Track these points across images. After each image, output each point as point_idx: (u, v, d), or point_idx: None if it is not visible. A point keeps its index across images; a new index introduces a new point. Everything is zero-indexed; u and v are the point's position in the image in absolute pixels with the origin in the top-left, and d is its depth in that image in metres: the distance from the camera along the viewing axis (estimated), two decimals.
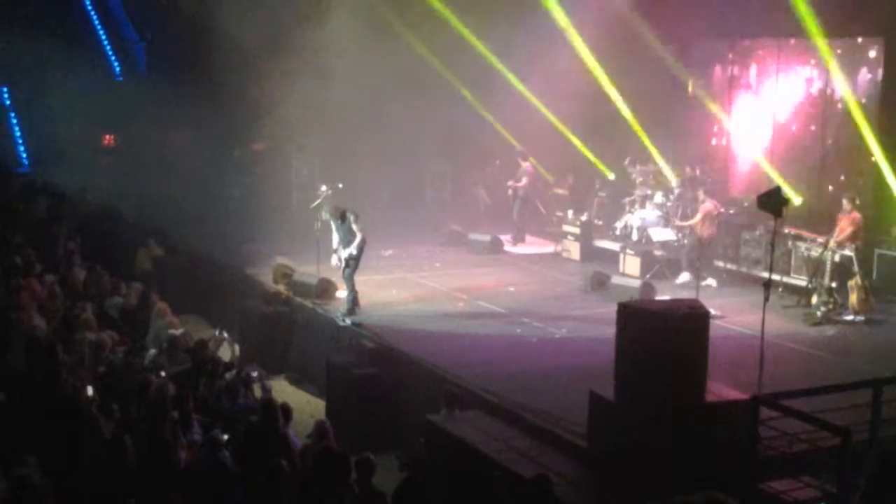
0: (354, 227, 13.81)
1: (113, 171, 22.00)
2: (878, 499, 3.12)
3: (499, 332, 13.28)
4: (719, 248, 16.42)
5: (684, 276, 15.65)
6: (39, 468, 7.12)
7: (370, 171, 19.30)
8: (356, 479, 7.71)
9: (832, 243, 14.08)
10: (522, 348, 12.57)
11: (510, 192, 19.61)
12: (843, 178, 16.61)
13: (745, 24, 17.35)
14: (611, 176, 19.91)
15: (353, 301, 13.96)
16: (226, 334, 13.05)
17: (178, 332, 12.32)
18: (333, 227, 14.04)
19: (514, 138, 20.54)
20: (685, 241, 16.30)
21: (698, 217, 15.79)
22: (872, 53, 16.18)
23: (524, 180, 19.37)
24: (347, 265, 13.91)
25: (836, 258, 13.99)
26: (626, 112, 18.85)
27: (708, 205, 15.72)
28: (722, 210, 16.17)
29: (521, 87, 19.65)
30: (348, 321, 13.57)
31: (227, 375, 10.98)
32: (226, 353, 12.70)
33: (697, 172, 17.56)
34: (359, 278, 15.47)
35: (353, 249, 13.80)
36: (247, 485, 7.62)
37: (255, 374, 11.15)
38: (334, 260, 14.12)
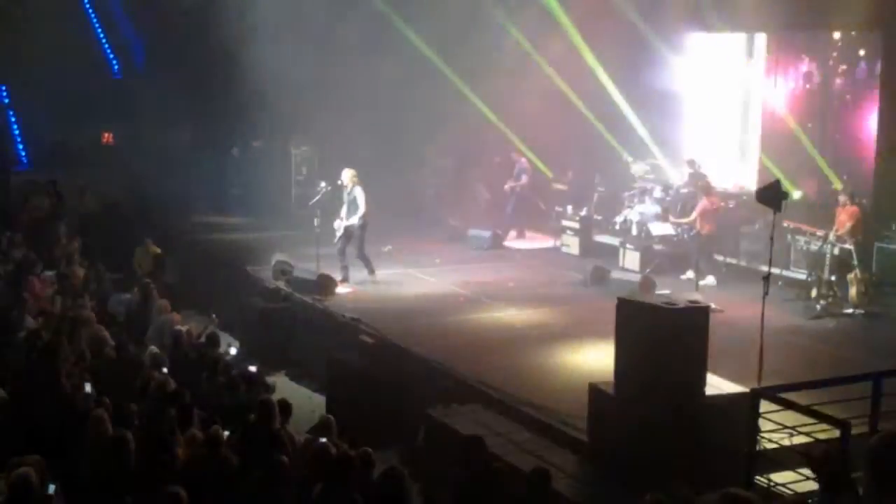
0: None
1: (112, 169, 21.98)
2: (879, 488, 3.12)
3: (498, 327, 13.30)
4: (719, 243, 16.40)
5: (690, 273, 15.51)
6: (39, 467, 7.11)
7: (370, 167, 19.31)
8: (356, 474, 7.71)
9: (832, 237, 14.09)
10: (522, 343, 12.58)
11: (509, 190, 19.64)
12: (841, 170, 16.59)
13: (743, 17, 17.35)
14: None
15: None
16: (214, 315, 13.19)
17: (184, 328, 12.35)
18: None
19: (514, 133, 20.53)
20: (686, 237, 16.24)
21: (694, 214, 15.77)
22: (870, 46, 16.15)
23: (524, 178, 19.42)
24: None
25: (836, 252, 14.00)
26: (624, 107, 18.85)
27: (704, 201, 15.70)
28: (721, 205, 16.13)
29: (526, 82, 19.66)
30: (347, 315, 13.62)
31: (231, 371, 11.00)
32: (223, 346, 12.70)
33: (698, 167, 17.55)
34: (358, 274, 15.55)
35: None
36: (247, 481, 7.62)
37: (253, 368, 11.19)
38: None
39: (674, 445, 8.26)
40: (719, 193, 16.91)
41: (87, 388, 9.52)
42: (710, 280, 15.45)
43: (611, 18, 18.03)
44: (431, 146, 21.41)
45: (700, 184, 16.14)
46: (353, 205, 15.27)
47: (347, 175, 15.33)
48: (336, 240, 15.41)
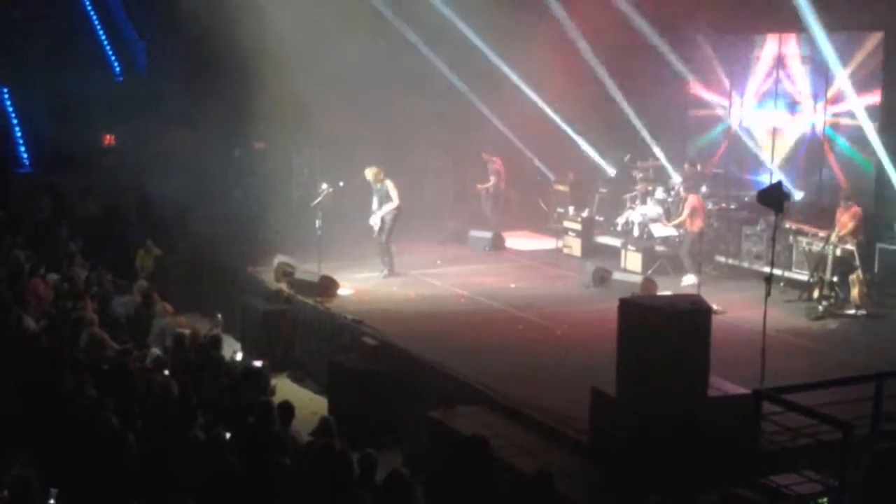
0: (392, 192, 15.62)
1: (113, 172, 21.97)
2: (876, 495, 3.11)
3: (500, 329, 13.28)
4: (721, 244, 16.42)
5: (690, 279, 15.44)
6: (40, 468, 7.11)
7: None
8: (359, 476, 7.72)
9: (833, 238, 14.08)
10: (524, 344, 12.57)
11: (482, 193, 19.67)
12: (843, 171, 16.56)
13: (745, 19, 17.32)
14: (612, 173, 19.90)
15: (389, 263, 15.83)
16: (219, 316, 13.27)
17: (186, 331, 12.34)
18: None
19: (515, 135, 20.53)
20: (679, 240, 16.23)
21: (685, 213, 15.79)
22: (872, 47, 16.12)
23: (492, 179, 19.46)
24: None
25: (838, 252, 13.98)
26: (626, 108, 18.85)
27: (692, 199, 15.76)
28: (710, 206, 16.17)
29: (523, 83, 19.67)
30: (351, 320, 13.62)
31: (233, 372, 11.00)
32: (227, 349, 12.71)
33: (698, 168, 17.56)
34: (359, 275, 15.55)
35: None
36: (249, 484, 7.62)
37: (258, 363, 11.20)
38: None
39: (676, 447, 8.25)
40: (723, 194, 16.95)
41: (90, 390, 9.51)
42: (690, 278, 15.31)
43: (615, 20, 18.00)
44: (431, 147, 21.43)
45: (686, 183, 16.41)
46: (385, 198, 15.66)
47: (370, 173, 15.72)
48: (375, 234, 15.83)
